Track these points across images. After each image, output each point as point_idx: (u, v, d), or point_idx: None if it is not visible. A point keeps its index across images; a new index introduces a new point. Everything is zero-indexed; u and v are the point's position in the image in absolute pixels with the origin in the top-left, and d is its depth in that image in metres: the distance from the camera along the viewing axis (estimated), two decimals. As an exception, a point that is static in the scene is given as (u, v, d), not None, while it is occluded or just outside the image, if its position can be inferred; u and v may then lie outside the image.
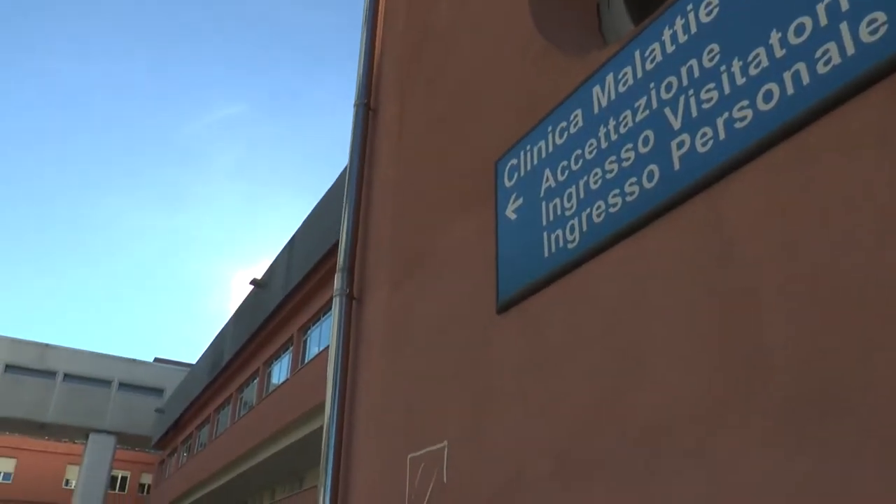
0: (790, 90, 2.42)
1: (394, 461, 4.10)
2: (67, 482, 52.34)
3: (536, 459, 3.09)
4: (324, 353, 22.41)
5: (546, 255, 3.37)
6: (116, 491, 51.34)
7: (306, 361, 24.51)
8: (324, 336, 23.95)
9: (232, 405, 32.66)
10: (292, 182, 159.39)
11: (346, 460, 4.62)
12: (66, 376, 45.10)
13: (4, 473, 52.87)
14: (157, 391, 46.66)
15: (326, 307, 24.13)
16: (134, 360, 47.65)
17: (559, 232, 3.33)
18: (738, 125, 2.57)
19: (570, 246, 3.23)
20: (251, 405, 29.65)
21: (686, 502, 2.42)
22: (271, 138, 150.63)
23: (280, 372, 27.54)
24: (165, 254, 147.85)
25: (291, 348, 26.45)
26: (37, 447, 53.54)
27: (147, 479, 53.06)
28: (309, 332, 25.60)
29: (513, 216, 3.71)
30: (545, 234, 3.42)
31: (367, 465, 4.46)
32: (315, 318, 25.02)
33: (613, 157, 3.13)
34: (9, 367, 43.97)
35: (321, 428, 17.55)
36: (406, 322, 4.44)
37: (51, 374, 44.82)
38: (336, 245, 19.99)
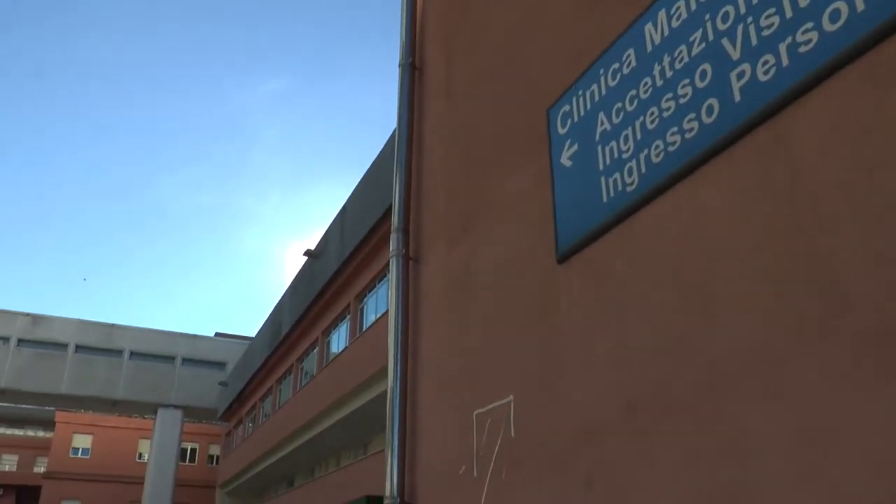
0: (860, 6, 2.31)
1: (460, 418, 4.11)
2: (141, 456, 54.19)
3: (606, 408, 3.07)
4: (381, 319, 22.58)
5: (605, 200, 3.31)
6: (187, 462, 52.99)
7: (364, 329, 24.72)
8: (380, 303, 24.09)
9: (293, 376, 33.21)
10: (341, 152, 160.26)
11: (412, 421, 4.65)
12: (133, 354, 46.47)
13: (83, 449, 55.09)
14: (220, 365, 47.79)
15: (381, 274, 24.26)
16: (196, 336, 48.85)
17: (617, 175, 3.27)
18: (802, 49, 2.47)
19: (628, 189, 3.17)
20: (312, 375, 30.10)
21: (765, 443, 2.37)
22: (317, 109, 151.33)
23: (339, 341, 27.85)
24: (219, 230, 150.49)
25: (349, 317, 26.68)
26: (110, 423, 55.49)
27: (215, 450, 54.63)
28: (365, 299, 25.78)
29: (568, 163, 3.66)
30: (602, 178, 3.37)
31: (433, 424, 4.48)
32: (370, 286, 25.17)
33: (670, 95, 3.05)
34: (79, 348, 45.51)
35: (383, 393, 17.66)
36: (465, 278, 4.43)
37: (118, 352, 46.24)
38: (388, 210, 20.06)
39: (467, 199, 4.66)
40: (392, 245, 5.10)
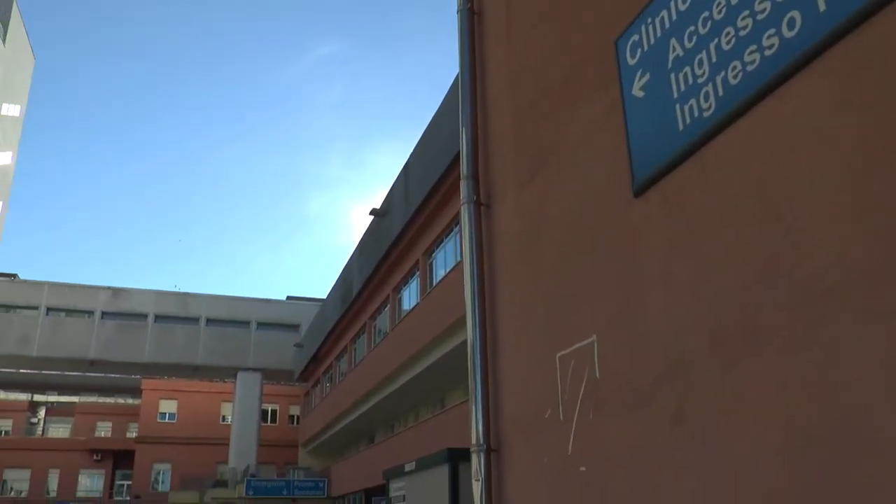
0: None
1: (542, 362, 4.11)
2: (224, 418, 56.20)
3: (693, 340, 3.03)
4: (451, 273, 22.69)
5: (681, 128, 3.23)
6: (268, 423, 54.76)
7: (434, 284, 24.90)
8: (448, 257, 24.17)
9: (366, 334, 33.76)
10: (399, 110, 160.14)
11: (494, 368, 4.67)
12: (209, 321, 47.94)
13: (169, 414, 57.54)
14: (294, 327, 48.93)
15: (448, 228, 24.32)
16: (268, 300, 50.05)
17: (692, 101, 3.17)
18: (893, -51, 2.33)
19: (706, 114, 3.08)
20: (385, 333, 30.55)
21: (863, 365, 2.30)
22: (374, 69, 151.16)
23: (410, 297, 28.13)
24: (284, 196, 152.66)
25: (418, 273, 26.90)
26: (193, 388, 57.63)
27: (295, 410, 56.24)
28: (433, 254, 25.91)
29: (640, 94, 3.57)
30: (677, 106, 3.27)
31: (515, 370, 4.50)
32: (438, 241, 25.27)
33: (746, 12, 2.93)
34: (157, 318, 47.16)
35: (459, 346, 17.84)
36: (540, 220, 4.39)
37: (194, 320, 47.76)
38: (452, 163, 19.96)
39: (536, 140, 4.60)
40: (462, 193, 5.08)
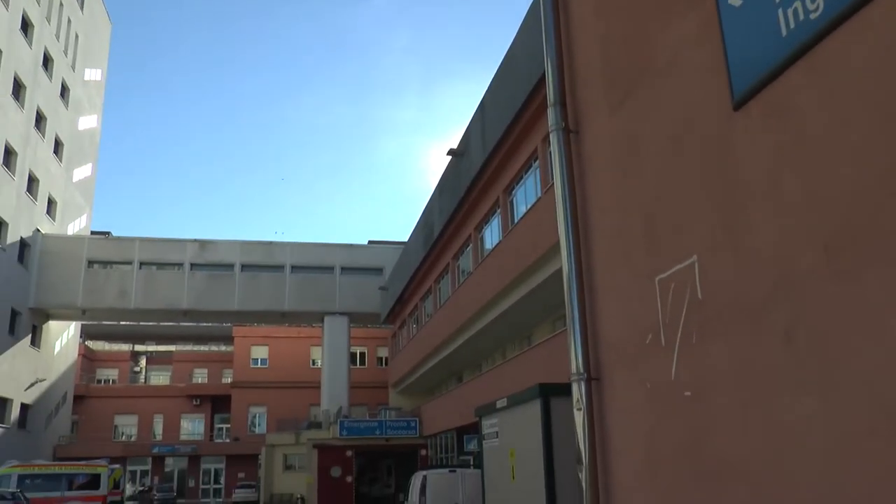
0: None
1: (641, 287, 4.06)
2: (314, 362, 58.03)
3: (802, 254, 2.93)
4: (533, 209, 22.54)
5: (784, 33, 3.08)
6: (357, 365, 56.25)
7: (516, 221, 24.78)
8: (529, 193, 23.98)
9: (450, 274, 33.97)
10: (467, 51, 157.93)
11: (591, 296, 4.64)
12: (294, 268, 49.15)
13: (261, 359, 59.84)
14: (377, 271, 49.70)
15: (527, 164, 24.08)
16: (351, 245, 50.89)
17: (797, 4, 3.01)
18: None
19: (812, 16, 2.93)
20: (468, 272, 30.69)
21: None
22: (440, 11, 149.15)
23: (492, 235, 28.09)
24: (360, 141, 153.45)
25: (499, 210, 26.81)
26: (282, 334, 59.58)
27: (383, 352, 57.51)
28: (514, 191, 25.75)
29: (737, 2, 3.41)
30: (779, 10, 3.12)
31: (613, 297, 4.46)
32: (517, 177, 25.07)
33: None
34: (244, 267, 48.62)
35: (544, 282, 17.76)
36: (633, 141, 4.29)
37: (279, 268, 49.03)
38: (529, 98, 19.59)
39: (626, 62, 4.47)
40: (550, 120, 5.00)
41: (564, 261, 4.70)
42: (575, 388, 4.61)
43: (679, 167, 3.79)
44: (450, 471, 19.93)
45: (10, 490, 30.14)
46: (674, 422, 3.76)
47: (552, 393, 11.14)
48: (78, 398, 58.25)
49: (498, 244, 26.39)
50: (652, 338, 3.93)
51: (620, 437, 4.32)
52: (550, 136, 4.92)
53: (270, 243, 49.95)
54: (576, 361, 4.58)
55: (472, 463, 29.50)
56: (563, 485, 10.66)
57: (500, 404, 12.92)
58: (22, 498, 29.08)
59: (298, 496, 42.55)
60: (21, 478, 32.38)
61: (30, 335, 45.22)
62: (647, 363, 3.97)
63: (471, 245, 30.61)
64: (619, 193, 4.38)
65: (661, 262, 3.86)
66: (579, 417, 4.47)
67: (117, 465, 40.66)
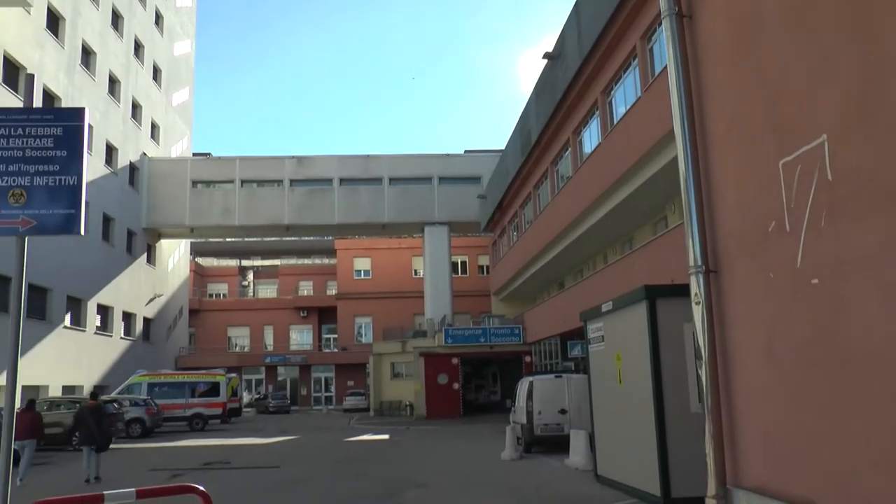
0: None
1: (763, 173, 3.90)
2: (416, 272, 59.07)
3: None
4: (632, 110, 21.91)
5: None
6: (459, 274, 56.93)
7: (615, 122, 24.17)
8: (628, 94, 23.27)
9: (549, 180, 33.58)
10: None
11: (708, 186, 4.50)
12: (392, 180, 49.63)
13: (364, 271, 61.40)
14: (475, 179, 49.65)
15: (625, 64, 23.33)
16: (448, 155, 50.85)
17: None
18: None
19: None
20: (567, 177, 30.26)
21: None
22: None
23: (590, 138, 27.52)
24: (452, 52, 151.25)
25: (598, 113, 26.17)
26: (384, 245, 60.75)
27: (484, 260, 57.94)
28: (612, 92, 25.02)
29: None
30: None
31: (731, 186, 4.31)
32: (616, 78, 24.31)
33: None
34: (342, 181, 49.42)
35: (645, 183, 17.37)
36: (755, 17, 4.04)
37: (377, 180, 49.60)
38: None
39: (744, -68, 4.18)
40: (662, 5, 4.78)
41: (680, 150, 4.55)
42: (693, 281, 4.52)
43: (806, 42, 3.56)
44: (556, 376, 20.16)
45: (142, 397, 32.51)
46: (799, 311, 3.64)
47: (658, 295, 11.05)
48: (193, 312, 61.52)
49: (597, 147, 25.89)
50: (775, 225, 3.79)
51: (741, 330, 4.23)
52: (663, 21, 4.71)
53: (367, 157, 50.48)
54: (693, 254, 4.48)
55: (575, 368, 29.77)
56: (670, 387, 10.66)
57: (605, 308, 12.89)
58: (152, 404, 31.37)
59: (407, 403, 44.02)
60: (150, 386, 34.97)
61: (145, 254, 47.74)
62: (769, 251, 3.83)
63: (569, 149, 30.13)
64: (739, 75, 4.17)
65: (785, 144, 3.68)
66: (698, 312, 4.39)
67: (234, 375, 42.95)
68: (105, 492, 4.80)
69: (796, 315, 3.71)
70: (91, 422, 16.11)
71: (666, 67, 18.57)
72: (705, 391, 4.64)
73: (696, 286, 4.51)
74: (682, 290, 10.55)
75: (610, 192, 24.73)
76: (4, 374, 28.39)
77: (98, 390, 25.48)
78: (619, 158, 22.77)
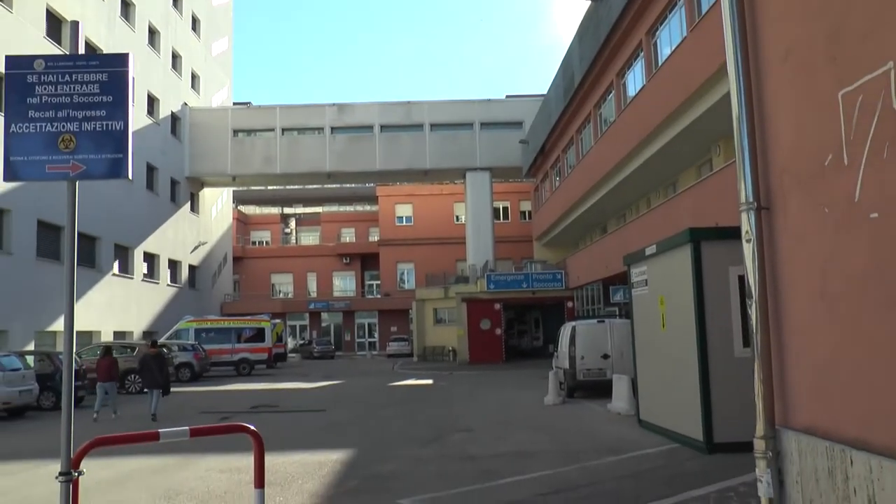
0: None
1: (820, 104, 3.78)
2: (457, 218, 59.05)
3: None
4: (678, 50, 21.44)
5: None
6: (501, 220, 56.83)
7: (660, 64, 23.68)
8: (673, 34, 22.74)
9: (592, 124, 33.19)
10: None
11: (761, 120, 4.38)
12: (433, 126, 49.41)
13: (406, 217, 61.59)
14: (516, 124, 49.20)
15: (671, 4, 22.77)
16: (489, 100, 50.36)
17: None
18: None
19: None
20: (611, 121, 29.87)
21: None
22: None
23: (635, 81, 27.05)
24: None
25: (642, 54, 25.66)
26: (425, 192, 60.76)
27: (526, 206, 57.72)
28: (657, 33, 24.48)
29: None
30: None
31: (786, 119, 4.19)
32: (661, 17, 23.75)
33: None
34: (383, 128, 49.37)
35: (690, 126, 17.04)
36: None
37: (418, 126, 49.42)
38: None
39: None
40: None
41: (732, 83, 4.42)
42: (744, 218, 4.44)
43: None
44: (598, 321, 20.15)
45: (189, 342, 33.30)
46: (856, 247, 3.55)
47: (703, 237, 10.92)
48: (237, 259, 62.47)
49: (641, 90, 25.44)
50: (832, 158, 3.68)
51: (794, 268, 4.15)
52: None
53: (408, 103, 50.22)
54: (745, 190, 4.39)
55: (618, 313, 29.73)
56: (714, 331, 10.59)
57: (648, 251, 12.79)
58: (200, 349, 32.12)
59: (450, 348, 44.45)
60: (197, 331, 35.74)
61: (189, 203, 48.43)
62: (825, 186, 3.74)
63: (613, 92, 29.69)
64: (797, 2, 4.02)
65: (846, 73, 3.55)
66: (748, 250, 4.31)
67: (278, 320, 43.69)
68: (160, 430, 4.94)
69: (853, 251, 3.63)
70: (153, 366, 17.95)
71: (711, 6, 18.19)
72: (755, 331, 4.58)
73: (747, 223, 4.42)
74: (728, 233, 10.53)
75: (654, 136, 24.38)
76: (60, 320, 29.34)
77: (149, 336, 26.15)
78: (664, 101, 22.40)
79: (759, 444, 4.65)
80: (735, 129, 4.40)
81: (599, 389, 18.40)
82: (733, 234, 9.92)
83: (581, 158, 35.13)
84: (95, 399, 18.16)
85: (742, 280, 9.75)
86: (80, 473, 4.47)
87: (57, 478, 4.46)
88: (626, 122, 26.94)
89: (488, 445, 11.89)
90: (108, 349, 19.38)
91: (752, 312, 4.50)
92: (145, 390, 18.24)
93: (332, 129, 49.55)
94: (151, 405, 17.32)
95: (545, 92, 43.10)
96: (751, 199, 4.33)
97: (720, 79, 18.12)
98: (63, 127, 4.92)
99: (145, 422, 16.53)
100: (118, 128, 4.96)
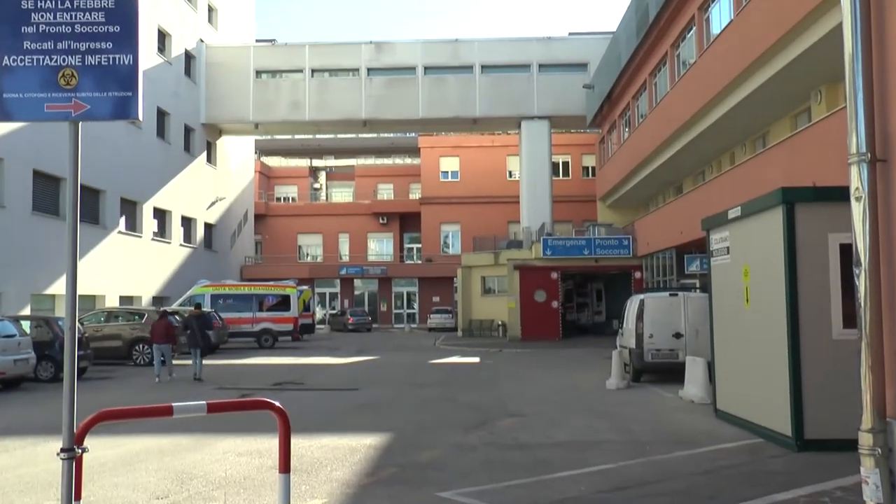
0: None
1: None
2: (511, 174, 58.74)
3: None
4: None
5: None
6: (560, 177, 56.25)
7: (752, -5, 23.13)
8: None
9: (668, 66, 32.58)
10: None
11: (880, 61, 4.19)
12: (484, 68, 49.04)
13: (451, 172, 61.41)
14: (581, 66, 48.54)
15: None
16: (549, 38, 49.76)
17: None
18: None
19: None
20: (691, 62, 29.32)
21: None
22: None
23: (720, 15, 26.45)
24: None
25: (731, -17, 25.12)
26: (474, 143, 60.46)
27: (590, 160, 57.00)
28: (750, -41, 23.91)
29: None
30: None
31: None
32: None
33: None
34: (427, 69, 49.12)
35: (785, 69, 16.67)
36: None
37: (467, 68, 49.09)
38: None
39: None
40: None
41: (846, 12, 4.23)
42: (854, 172, 4.28)
43: None
44: (670, 294, 19.97)
45: (205, 309, 33.60)
46: None
47: (798, 199, 10.65)
48: (259, 217, 63.01)
49: (728, 25, 24.92)
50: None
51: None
52: None
53: (456, 41, 49.92)
54: (857, 139, 4.22)
55: (695, 287, 29.45)
56: (808, 308, 10.35)
57: (732, 214, 12.56)
58: (217, 318, 32.39)
59: (499, 323, 44.47)
60: (213, 298, 35.95)
61: (205, 153, 48.81)
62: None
63: (693, 29, 29.19)
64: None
65: None
66: (858, 209, 4.16)
67: (305, 287, 44.06)
68: (174, 404, 4.96)
69: None
70: (195, 327, 21.38)
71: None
72: (863, 307, 4.44)
73: (857, 178, 4.27)
74: (828, 194, 10.27)
75: (741, 79, 23.95)
76: (59, 282, 29.89)
77: (159, 302, 26.64)
78: (755, 37, 21.93)
79: (865, 439, 4.54)
80: (847, 68, 4.23)
81: (670, 373, 18.29)
82: (835, 195, 9.70)
83: (654, 106, 34.68)
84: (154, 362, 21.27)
85: (844, 249, 9.56)
86: (83, 450, 4.52)
87: (58, 454, 4.51)
88: (709, 64, 26.48)
89: (541, 433, 11.89)
90: (164, 312, 23.33)
91: (861, 284, 4.35)
92: (188, 350, 21.68)
93: (369, 70, 49.47)
94: (195, 367, 20.69)
95: (614, 29, 42.50)
96: (864, 150, 4.17)
97: (826, 10, 17.67)
98: (63, 60, 4.91)
99: (193, 384, 19.74)
100: (127, 62, 4.94)
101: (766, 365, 11.01)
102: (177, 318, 25.72)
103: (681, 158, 33.69)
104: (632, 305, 20.19)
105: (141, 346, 26.17)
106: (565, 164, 58.43)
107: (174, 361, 22.10)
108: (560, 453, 10.21)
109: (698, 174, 36.07)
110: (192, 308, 24.42)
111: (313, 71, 49.79)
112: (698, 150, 31.91)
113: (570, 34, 52.27)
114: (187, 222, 46.09)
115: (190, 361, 21.46)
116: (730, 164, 30.10)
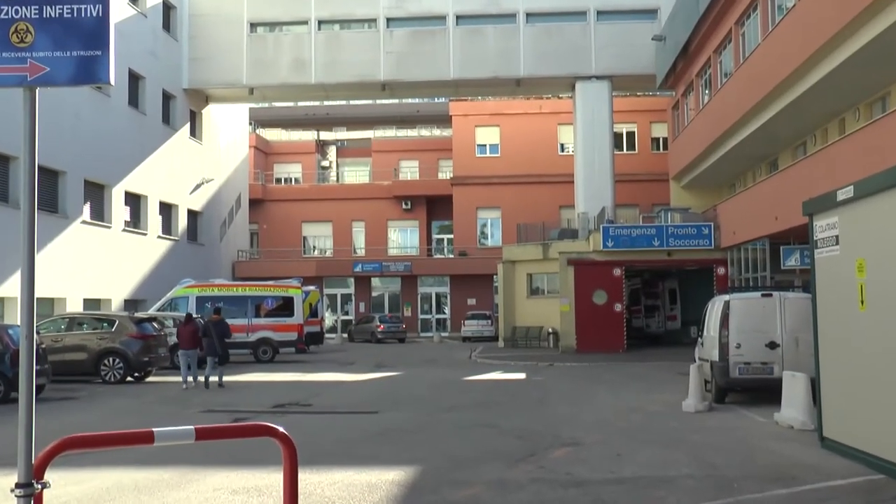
0: None
1: None
2: (563, 147, 58.22)
3: None
4: None
5: None
6: (624, 151, 55.66)
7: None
8: None
9: (759, 12, 32.20)
10: None
11: None
12: (529, 16, 48.81)
13: (490, 146, 60.82)
14: (650, 13, 48.23)
15: None
16: (609, -22, 49.64)
17: None
18: None
19: None
20: (788, 7, 28.96)
21: None
22: None
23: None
24: None
25: None
26: (518, 109, 60.04)
27: (661, 130, 56.26)
28: None
29: None
30: None
31: None
32: None
33: None
34: (460, 18, 48.95)
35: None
36: None
37: (510, 17, 48.93)
38: None
39: None
40: None
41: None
42: None
43: None
44: (763, 295, 19.87)
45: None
46: None
47: (929, 174, 10.56)
48: (255, 203, 63.33)
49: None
50: None
51: None
52: None
53: (497, -17, 49.72)
54: None
55: (794, 285, 29.24)
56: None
57: (842, 195, 12.46)
58: (202, 323, 32.41)
59: (550, 330, 44.31)
60: (200, 300, 35.70)
61: (188, 124, 49.08)
62: None
63: (795, -36, 28.92)
64: None
65: None
66: None
67: (313, 287, 44.16)
68: (155, 429, 4.93)
69: None
70: (213, 334, 24.37)
71: None
72: None
73: None
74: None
75: (853, 27, 23.63)
76: (9, 283, 30.04)
77: (133, 306, 27.04)
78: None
79: None
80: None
81: (763, 392, 18.23)
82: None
83: (742, 61, 34.40)
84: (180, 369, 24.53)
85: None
86: (43, 486, 4.52)
87: (13, 491, 4.51)
88: (812, 7, 26.22)
89: (603, 466, 11.89)
90: (190, 316, 26.72)
91: None
92: (205, 358, 24.76)
93: (389, 20, 49.42)
94: (214, 374, 24.31)
95: (693, -35, 42.27)
96: None
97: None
98: (16, 13, 4.88)
99: (217, 392, 23.44)
100: (94, 13, 4.91)
101: (887, 383, 10.91)
102: (153, 325, 26.22)
103: (776, 126, 33.39)
104: (714, 308, 20.11)
105: (111, 359, 26.19)
106: (630, 134, 58.17)
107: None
108: (626, 492, 10.23)
109: (798, 146, 35.76)
110: (212, 313, 27.42)
111: (321, 22, 49.77)
112: (798, 115, 31.60)
113: (636, -28, 52.03)
114: (167, 209, 46.41)
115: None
116: (839, 133, 29.83)
